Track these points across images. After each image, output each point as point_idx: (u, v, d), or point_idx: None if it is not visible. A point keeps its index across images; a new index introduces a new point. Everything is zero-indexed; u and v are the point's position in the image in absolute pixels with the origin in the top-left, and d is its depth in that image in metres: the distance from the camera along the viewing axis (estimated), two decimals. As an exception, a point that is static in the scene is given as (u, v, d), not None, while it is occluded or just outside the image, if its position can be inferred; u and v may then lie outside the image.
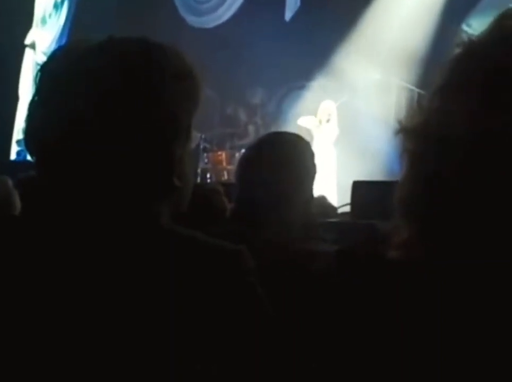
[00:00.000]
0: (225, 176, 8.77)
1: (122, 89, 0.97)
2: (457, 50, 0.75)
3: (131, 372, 0.91)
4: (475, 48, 0.74)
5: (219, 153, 9.32)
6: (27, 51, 10.56)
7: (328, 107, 8.63)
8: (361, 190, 4.08)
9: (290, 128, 7.93)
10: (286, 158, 1.85)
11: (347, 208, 4.59)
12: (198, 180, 8.56)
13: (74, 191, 0.98)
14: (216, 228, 1.83)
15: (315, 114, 8.76)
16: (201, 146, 9.00)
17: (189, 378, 0.91)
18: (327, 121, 8.54)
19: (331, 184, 7.87)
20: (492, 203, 0.70)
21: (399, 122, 0.79)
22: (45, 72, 1.03)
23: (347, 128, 8.49)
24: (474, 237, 0.71)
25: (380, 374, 0.74)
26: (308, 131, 8.35)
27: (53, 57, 1.05)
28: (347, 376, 0.76)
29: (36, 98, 1.02)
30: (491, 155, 0.69)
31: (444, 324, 0.71)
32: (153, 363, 0.90)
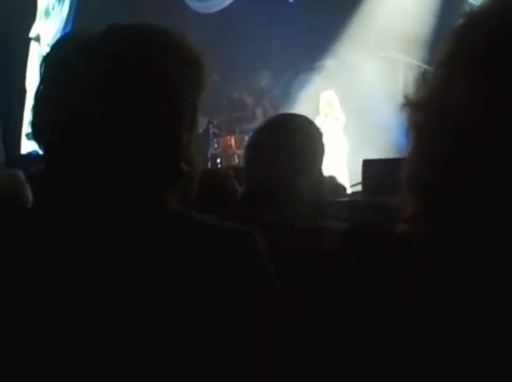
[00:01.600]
0: (236, 161, 8.76)
1: (127, 76, 0.97)
2: (459, 21, 0.75)
3: (147, 349, 0.91)
4: (476, 18, 0.74)
5: (228, 137, 9.31)
6: (33, 44, 10.55)
7: (328, 97, 8.55)
8: (372, 168, 4.05)
9: (297, 110, 7.91)
10: (294, 139, 1.84)
11: (358, 188, 4.59)
12: (209, 165, 8.57)
13: (81, 179, 0.98)
14: (227, 211, 1.83)
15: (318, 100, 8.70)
16: (210, 131, 8.99)
17: (201, 356, 0.91)
18: (334, 118, 8.47)
19: (342, 171, 7.84)
20: (494, 174, 0.70)
21: (405, 96, 0.79)
22: (49, 61, 1.03)
23: (355, 108, 8.45)
24: (478, 209, 0.71)
25: (385, 345, 0.74)
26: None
27: (57, 46, 1.05)
28: (355, 353, 0.77)
29: (41, 87, 1.02)
30: (493, 124, 0.69)
31: (447, 302, 0.72)
32: (165, 343, 0.91)
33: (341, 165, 7.98)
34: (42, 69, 1.03)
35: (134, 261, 0.94)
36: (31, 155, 8.70)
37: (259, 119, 9.33)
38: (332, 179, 3.93)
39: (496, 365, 0.69)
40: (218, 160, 9.07)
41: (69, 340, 0.92)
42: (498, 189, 0.70)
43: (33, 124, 1.03)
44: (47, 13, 10.74)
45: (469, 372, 0.70)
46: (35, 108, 1.03)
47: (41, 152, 1.03)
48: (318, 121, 8.29)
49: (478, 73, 0.71)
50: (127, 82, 0.97)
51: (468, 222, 0.72)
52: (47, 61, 1.04)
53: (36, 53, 10.45)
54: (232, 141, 9.17)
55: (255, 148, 1.91)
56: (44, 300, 0.94)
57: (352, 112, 8.49)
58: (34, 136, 1.03)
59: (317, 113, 8.46)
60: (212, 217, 1.03)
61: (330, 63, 9.14)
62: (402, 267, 0.76)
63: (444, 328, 0.71)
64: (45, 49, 10.03)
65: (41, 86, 1.02)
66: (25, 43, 10.39)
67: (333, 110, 8.49)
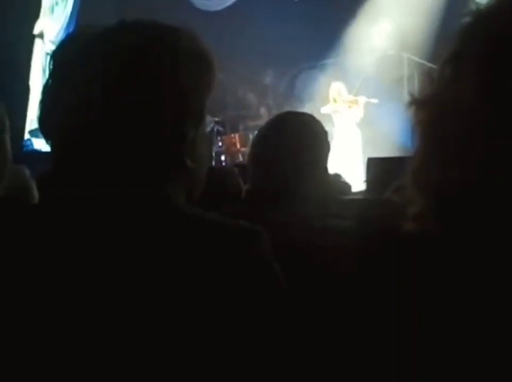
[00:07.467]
0: (240, 159, 8.79)
1: (135, 73, 0.97)
2: (466, 20, 0.76)
3: (145, 347, 0.91)
4: (483, 16, 0.75)
5: (233, 135, 9.34)
6: (37, 41, 10.54)
7: (338, 87, 8.61)
8: (376, 167, 4.06)
9: (302, 108, 7.91)
10: (299, 137, 1.85)
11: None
12: (213, 163, 8.58)
13: (87, 174, 0.98)
14: (232, 208, 1.83)
15: (326, 94, 8.72)
16: (215, 130, 9.01)
17: (205, 353, 0.91)
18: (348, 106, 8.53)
19: (358, 166, 7.82)
20: (503, 173, 0.70)
21: (411, 94, 0.79)
22: (57, 57, 1.04)
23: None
24: (486, 209, 0.71)
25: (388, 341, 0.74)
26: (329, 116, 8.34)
27: (65, 42, 1.06)
28: (358, 352, 0.77)
29: (49, 82, 1.03)
30: (501, 122, 0.69)
31: (454, 301, 0.72)
32: (167, 340, 0.91)
33: (356, 158, 7.92)
34: (51, 64, 1.03)
35: (138, 258, 0.94)
36: (35, 152, 8.71)
37: (264, 117, 9.34)
38: (336, 177, 3.93)
39: (497, 365, 0.69)
40: (222, 158, 9.09)
41: (72, 336, 0.92)
42: (508, 187, 0.70)
43: (40, 119, 1.03)
44: (51, 9, 10.74)
45: (471, 371, 0.70)
46: (42, 103, 1.03)
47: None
48: (330, 109, 8.34)
49: (486, 72, 0.71)
50: (135, 78, 0.97)
51: (477, 221, 0.72)
52: (55, 56, 1.04)
53: (40, 51, 10.45)
54: (237, 139, 9.19)
55: (260, 146, 1.91)
56: (47, 297, 0.94)
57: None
58: (41, 131, 1.03)
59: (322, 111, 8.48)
60: (216, 214, 1.03)
61: (334, 61, 9.14)
62: (408, 265, 0.76)
63: (453, 327, 0.71)
64: (49, 46, 10.03)
65: (49, 82, 1.03)
66: (29, 40, 10.38)
67: (343, 98, 8.56)
